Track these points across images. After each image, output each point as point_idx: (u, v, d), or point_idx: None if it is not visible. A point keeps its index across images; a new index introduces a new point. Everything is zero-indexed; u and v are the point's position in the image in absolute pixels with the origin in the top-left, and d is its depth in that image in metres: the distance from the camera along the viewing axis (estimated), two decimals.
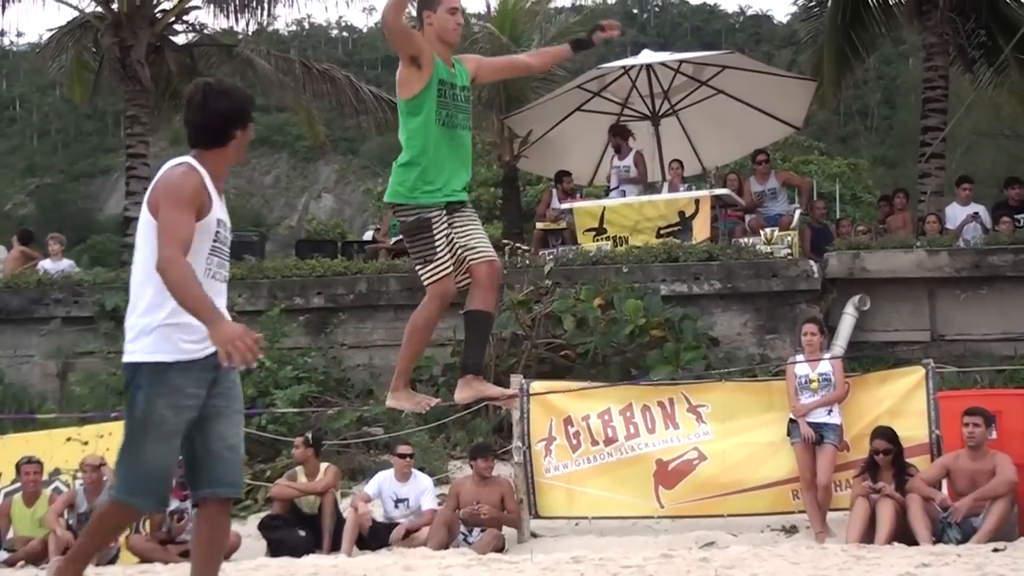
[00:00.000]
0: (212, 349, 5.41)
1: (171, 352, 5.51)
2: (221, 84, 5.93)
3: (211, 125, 5.69)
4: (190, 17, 23.34)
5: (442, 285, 6.66)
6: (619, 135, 18.47)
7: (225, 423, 5.72)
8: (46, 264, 18.49)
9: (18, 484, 12.57)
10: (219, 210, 5.70)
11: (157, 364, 5.50)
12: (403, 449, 12.28)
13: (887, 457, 11.02)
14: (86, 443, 12.81)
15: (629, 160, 18.26)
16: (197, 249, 5.51)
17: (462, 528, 11.91)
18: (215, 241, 5.66)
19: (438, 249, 6.58)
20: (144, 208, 5.61)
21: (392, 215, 6.74)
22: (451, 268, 6.65)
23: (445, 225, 6.61)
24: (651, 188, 18.88)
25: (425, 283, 6.70)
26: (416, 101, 6.55)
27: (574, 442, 12.42)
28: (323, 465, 12.50)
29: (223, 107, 5.70)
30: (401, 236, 6.89)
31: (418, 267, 6.72)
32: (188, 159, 5.67)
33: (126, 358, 5.60)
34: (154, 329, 5.52)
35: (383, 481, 12.20)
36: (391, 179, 6.73)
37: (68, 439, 13.03)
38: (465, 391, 6.99)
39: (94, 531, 5.91)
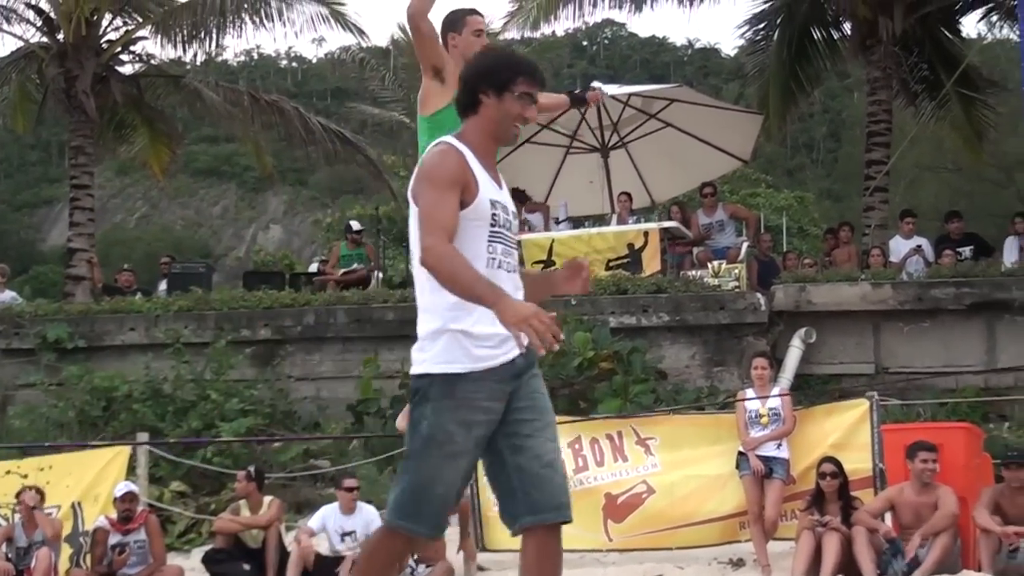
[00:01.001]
0: (510, 355, 4.88)
1: (462, 361, 4.87)
2: (490, 47, 5.36)
3: (462, 85, 5.09)
4: (137, 47, 23.29)
5: None
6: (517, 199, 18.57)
7: (537, 438, 5.01)
8: None
9: None
10: (491, 190, 5.00)
11: (447, 376, 4.87)
12: (349, 483, 12.17)
13: (834, 482, 11.00)
14: (25, 476, 12.59)
15: (539, 212, 18.41)
16: (472, 236, 4.88)
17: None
18: (493, 225, 4.95)
19: None
20: (410, 197, 5.04)
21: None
22: None
23: None
24: (600, 220, 18.94)
25: None
26: (439, 117, 6.43)
27: None
28: (267, 499, 12.37)
29: (471, 68, 5.12)
30: None
31: None
32: (448, 138, 5.05)
33: (413, 369, 5.00)
34: (442, 334, 4.92)
35: (327, 515, 12.08)
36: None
37: (7, 472, 12.81)
38: (405, 421, 6.90)
39: (369, 567, 5.28)
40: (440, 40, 6.52)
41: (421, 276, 4.95)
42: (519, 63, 5.13)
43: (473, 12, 6.67)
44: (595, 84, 7.36)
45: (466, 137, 5.01)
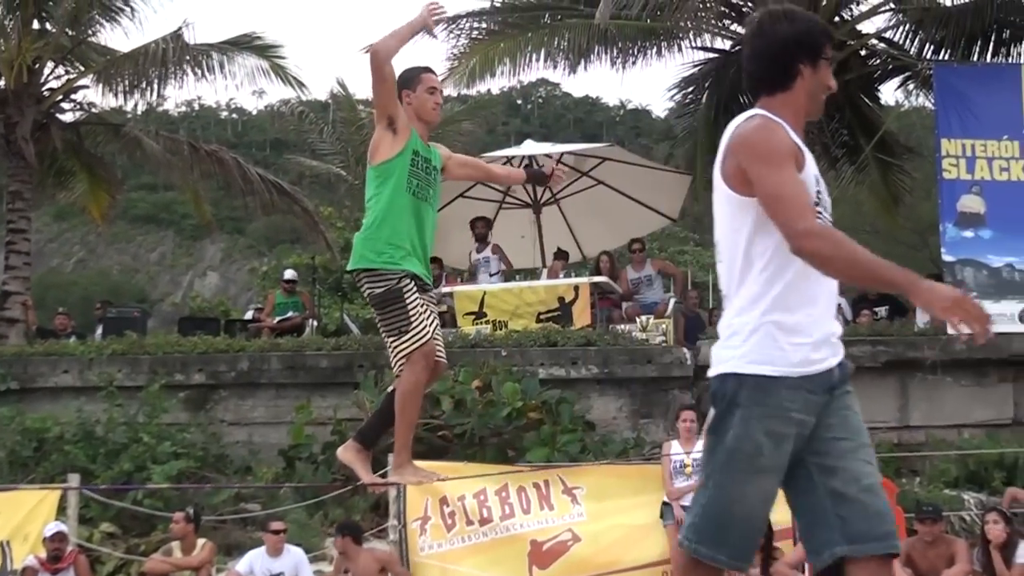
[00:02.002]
0: (829, 363, 4.39)
1: (777, 363, 4.23)
2: (784, 7, 4.44)
3: (768, 57, 4.37)
4: (78, 96, 23.07)
5: (426, 347, 6.32)
6: (482, 223, 18.67)
7: (852, 459, 4.34)
8: None
9: None
10: (813, 165, 4.34)
11: (759, 378, 4.23)
12: (275, 525, 12.10)
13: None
14: None
15: (489, 251, 18.39)
16: None
17: None
18: (816, 204, 4.27)
19: (413, 317, 6.27)
20: (718, 180, 4.38)
21: (359, 280, 6.35)
22: (431, 331, 6.35)
23: (416, 291, 6.37)
24: (530, 275, 19.01)
25: (402, 355, 6.31)
26: (387, 165, 6.38)
27: (449, 521, 12.36)
28: (200, 541, 12.30)
29: (783, 32, 4.33)
30: (372, 307, 6.54)
31: (392, 339, 6.32)
32: (757, 111, 4.37)
33: (718, 368, 4.36)
34: (755, 330, 4.25)
35: (254, 558, 11.99)
36: (355, 249, 6.46)
37: None
38: (347, 454, 6.79)
39: None
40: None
41: (747, 263, 4.31)
42: (824, 26, 4.53)
43: (427, 70, 6.70)
44: (538, 156, 7.36)
45: (776, 112, 4.36)
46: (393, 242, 6.34)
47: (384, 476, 8.07)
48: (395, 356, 6.39)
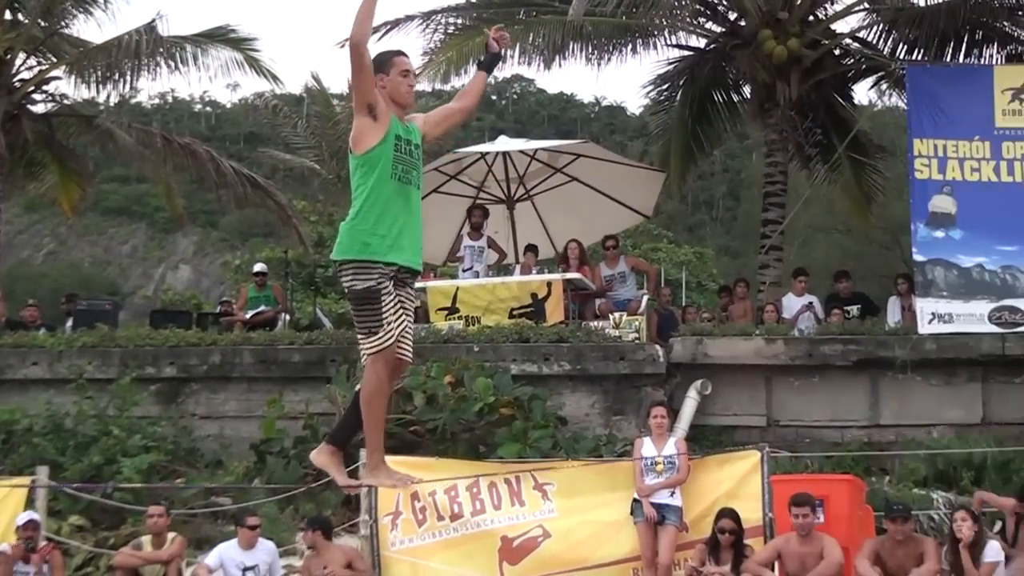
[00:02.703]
0: None
1: None
2: None
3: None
4: (50, 87, 22.90)
5: (388, 352, 6.30)
6: (480, 211, 18.64)
7: None
8: None
9: None
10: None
11: None
12: (252, 520, 12.06)
13: (731, 538, 11.15)
14: None
15: (483, 242, 18.36)
16: None
17: None
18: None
19: (386, 321, 6.25)
20: None
21: (341, 270, 6.24)
22: (397, 333, 6.32)
23: (393, 295, 6.32)
24: (504, 270, 18.99)
25: (367, 353, 6.30)
26: (371, 154, 6.31)
27: (420, 517, 12.34)
28: (170, 535, 12.24)
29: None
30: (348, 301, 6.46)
31: (360, 336, 6.32)
32: None
33: None
34: None
35: (224, 551, 11.95)
36: (340, 238, 6.39)
37: None
38: (321, 457, 6.74)
39: None
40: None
41: None
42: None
43: (400, 53, 6.63)
44: (491, 35, 7.19)
45: None
46: (379, 232, 6.28)
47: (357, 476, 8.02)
48: (363, 352, 6.37)
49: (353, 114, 6.45)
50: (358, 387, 6.64)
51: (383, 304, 6.27)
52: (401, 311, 6.38)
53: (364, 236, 6.28)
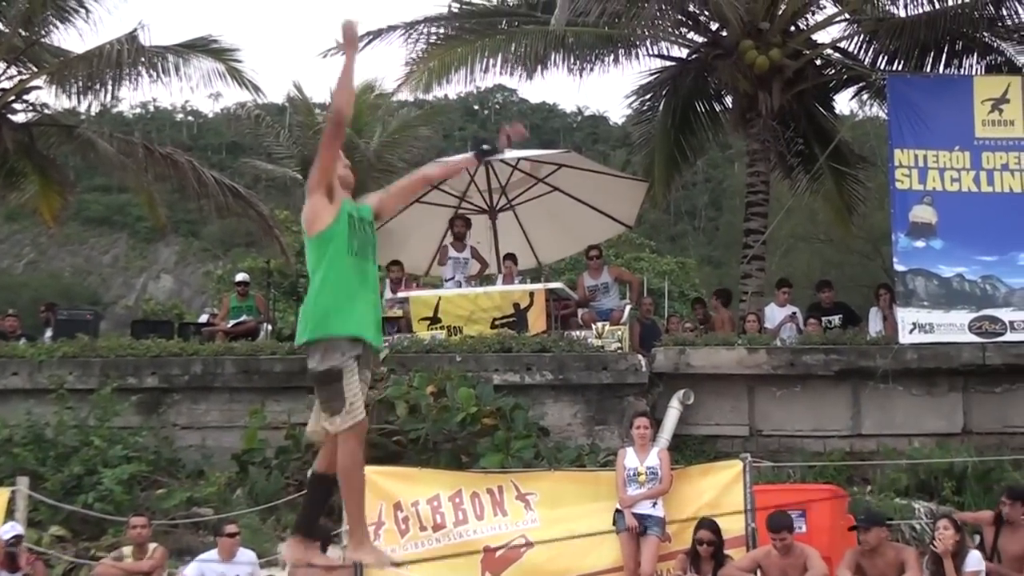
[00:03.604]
0: None
1: None
2: None
3: None
4: (31, 96, 22.83)
5: (360, 425, 6.31)
6: (462, 222, 18.67)
7: None
8: None
9: None
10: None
11: None
12: (230, 528, 12.04)
13: (709, 548, 11.16)
14: None
15: (467, 253, 18.38)
16: None
17: None
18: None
19: (349, 400, 6.21)
20: None
21: (307, 353, 6.24)
22: (362, 409, 6.31)
23: (355, 372, 6.30)
24: (486, 280, 19.00)
25: (339, 431, 6.26)
26: (328, 232, 6.30)
27: (403, 527, 12.33)
28: (151, 545, 12.22)
29: None
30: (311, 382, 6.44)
31: (325, 416, 6.28)
32: None
33: None
34: None
35: (205, 563, 11.91)
36: (300, 323, 6.41)
37: None
38: (296, 552, 6.64)
39: None
40: None
41: None
42: None
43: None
44: (508, 128, 7.01)
45: None
46: (340, 307, 6.28)
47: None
48: (330, 430, 6.32)
49: (306, 196, 6.39)
50: (310, 471, 6.56)
51: (345, 383, 6.25)
52: (362, 388, 6.36)
53: (324, 314, 6.27)
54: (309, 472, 6.57)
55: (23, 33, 21.91)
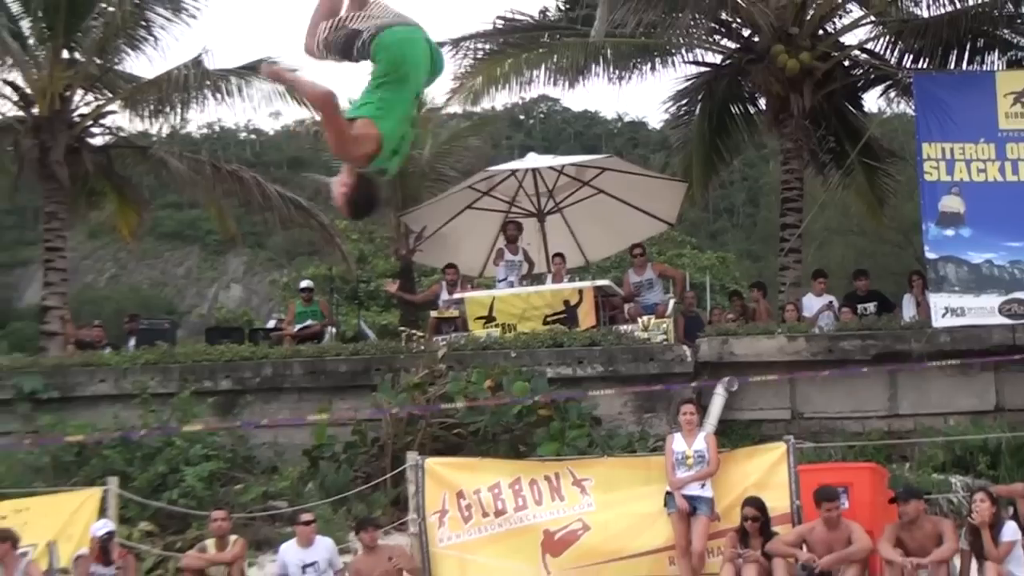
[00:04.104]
0: None
1: None
2: None
3: None
4: (107, 120, 23.11)
5: None
6: (514, 226, 18.76)
7: None
8: None
9: None
10: None
11: None
12: (306, 517, 12.16)
13: (755, 524, 11.18)
14: (3, 518, 12.52)
15: (520, 255, 18.46)
16: None
17: None
18: None
19: None
20: None
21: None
22: None
23: None
24: (537, 280, 19.05)
25: None
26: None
27: (466, 514, 12.40)
28: (232, 537, 12.35)
29: None
30: None
31: None
32: None
33: None
34: None
35: (286, 552, 12.05)
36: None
37: None
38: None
39: None
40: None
41: None
42: None
43: None
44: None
45: None
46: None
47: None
48: None
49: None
50: None
51: None
52: None
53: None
54: None
55: (98, 61, 22.23)
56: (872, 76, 21.93)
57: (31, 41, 22.12)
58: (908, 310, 17.29)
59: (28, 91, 21.75)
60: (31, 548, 12.13)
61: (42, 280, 22.30)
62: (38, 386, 16.57)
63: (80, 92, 22.24)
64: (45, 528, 12.51)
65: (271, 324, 22.78)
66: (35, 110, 21.60)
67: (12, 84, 21.92)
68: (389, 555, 11.89)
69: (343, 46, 6.13)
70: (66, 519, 12.70)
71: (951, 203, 16.02)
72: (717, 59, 22.23)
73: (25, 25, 22.16)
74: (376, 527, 12.14)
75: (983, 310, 15.59)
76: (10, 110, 22.13)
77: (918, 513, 10.85)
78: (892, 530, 10.85)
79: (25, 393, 16.51)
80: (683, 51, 21.98)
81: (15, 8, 22.16)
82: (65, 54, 22.01)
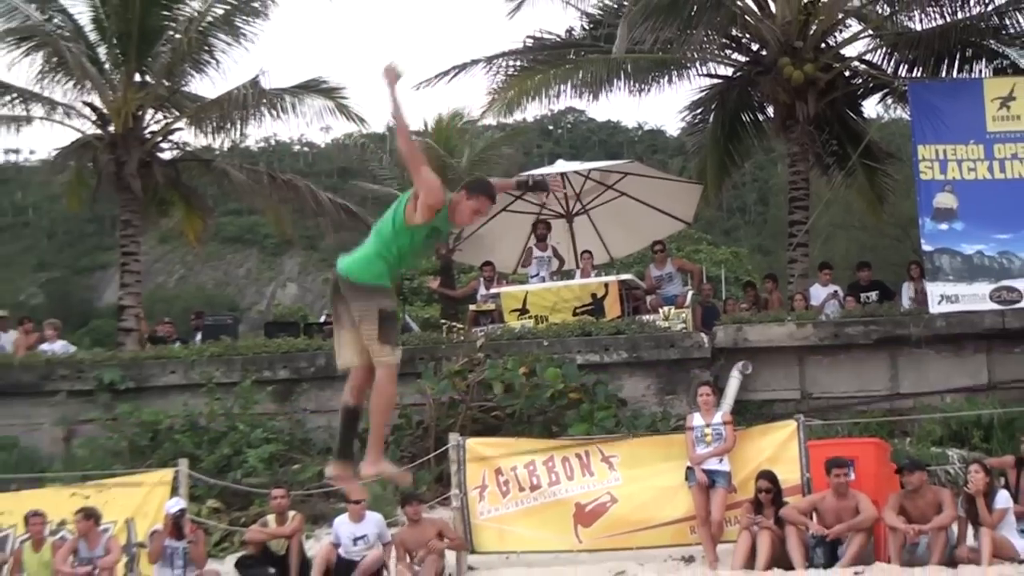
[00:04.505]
0: None
1: None
2: None
3: None
4: (175, 136, 23.32)
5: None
6: (544, 225, 18.76)
7: None
8: (43, 345, 18.40)
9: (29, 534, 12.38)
10: None
11: None
12: (355, 495, 12.20)
13: (768, 495, 11.17)
14: (87, 497, 12.66)
15: (549, 252, 18.46)
16: None
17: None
18: None
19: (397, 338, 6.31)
20: None
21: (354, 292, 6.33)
22: None
23: None
24: (566, 275, 19.04)
25: (394, 362, 6.30)
26: (412, 229, 6.42)
27: (504, 489, 12.43)
28: (291, 512, 12.42)
29: None
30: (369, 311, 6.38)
31: (387, 347, 6.27)
32: None
33: None
34: None
35: (339, 525, 12.11)
36: (361, 264, 6.49)
37: (72, 494, 12.86)
38: (337, 471, 6.79)
39: None
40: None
41: None
42: None
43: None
44: (545, 173, 7.09)
45: None
46: (388, 274, 6.53)
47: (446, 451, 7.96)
48: (383, 361, 6.34)
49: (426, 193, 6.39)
50: (342, 404, 6.68)
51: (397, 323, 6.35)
52: None
53: (381, 272, 6.48)
54: (341, 405, 6.62)
55: (166, 83, 22.40)
56: (871, 85, 21.80)
57: (107, 66, 22.32)
58: (907, 298, 17.20)
59: (105, 111, 21.96)
60: (111, 524, 12.28)
61: (119, 282, 22.50)
62: (116, 377, 16.68)
63: (151, 111, 22.45)
64: (123, 506, 12.64)
65: (323, 319, 22.84)
66: (111, 128, 21.81)
67: (91, 105, 22.16)
68: (439, 529, 11.92)
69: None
70: (142, 498, 12.82)
71: (945, 200, 15.92)
72: (728, 72, 22.20)
73: (102, 52, 22.38)
74: (420, 502, 12.18)
75: (975, 297, 15.49)
76: (89, 129, 22.40)
77: (921, 483, 10.83)
78: (896, 499, 10.82)
79: (105, 384, 16.62)
80: (697, 65, 21.95)
81: (93, 37, 22.41)
82: (137, 77, 22.22)
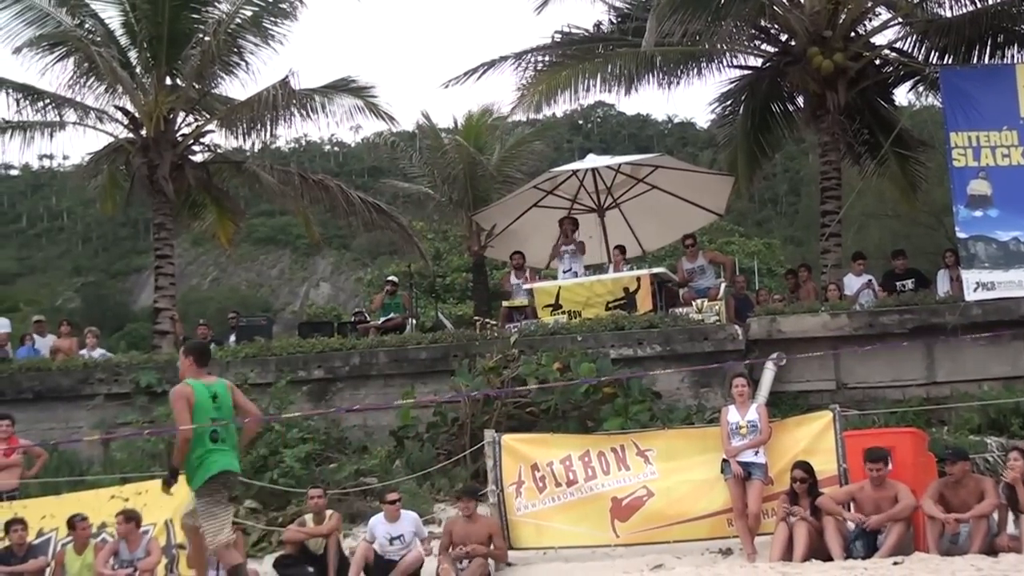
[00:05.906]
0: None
1: None
2: None
3: None
4: (206, 139, 23.39)
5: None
6: (569, 221, 18.76)
7: None
8: (83, 351, 18.60)
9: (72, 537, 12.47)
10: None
11: None
12: (391, 496, 12.20)
13: (804, 485, 11.11)
14: (127, 500, 12.72)
15: (574, 246, 18.46)
16: None
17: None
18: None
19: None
20: None
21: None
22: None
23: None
24: (599, 269, 19.02)
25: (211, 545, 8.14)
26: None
27: (540, 484, 12.41)
28: (328, 511, 12.46)
29: None
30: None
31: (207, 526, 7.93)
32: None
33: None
34: None
35: (375, 524, 12.12)
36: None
37: (112, 497, 12.92)
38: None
39: None
40: None
41: None
42: None
43: None
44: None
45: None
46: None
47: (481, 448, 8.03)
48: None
49: None
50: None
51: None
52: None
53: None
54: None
55: (197, 86, 22.48)
56: (901, 73, 21.63)
57: (138, 70, 22.43)
58: (942, 286, 17.10)
59: (136, 115, 22.06)
60: (151, 526, 12.32)
61: (153, 285, 22.61)
62: (153, 380, 16.80)
63: (182, 114, 22.54)
64: (162, 508, 12.65)
65: (355, 317, 22.92)
66: (143, 132, 21.91)
67: (123, 109, 22.27)
68: (490, 532, 11.87)
69: None
70: (181, 499, 12.85)
71: (979, 187, 15.81)
72: (758, 62, 22.07)
73: (132, 56, 22.48)
74: (474, 499, 12.14)
75: (1012, 284, 15.41)
76: (122, 133, 22.52)
77: (964, 473, 10.76)
78: (936, 487, 10.75)
79: (142, 387, 16.75)
80: (726, 56, 21.85)
81: (124, 41, 22.51)
82: (168, 81, 22.30)
